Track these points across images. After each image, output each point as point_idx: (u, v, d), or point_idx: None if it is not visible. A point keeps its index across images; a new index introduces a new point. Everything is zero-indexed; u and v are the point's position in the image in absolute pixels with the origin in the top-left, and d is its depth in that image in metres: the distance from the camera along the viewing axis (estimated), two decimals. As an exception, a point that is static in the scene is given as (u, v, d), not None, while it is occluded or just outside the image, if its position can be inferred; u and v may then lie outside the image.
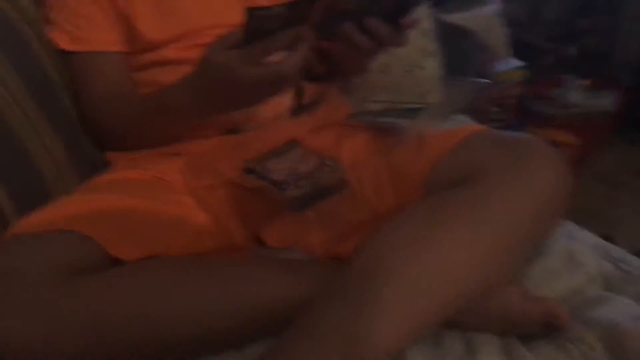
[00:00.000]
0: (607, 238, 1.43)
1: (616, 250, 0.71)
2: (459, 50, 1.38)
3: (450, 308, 0.59)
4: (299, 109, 0.82)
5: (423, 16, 1.14)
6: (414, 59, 1.09)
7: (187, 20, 0.82)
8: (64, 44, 0.83)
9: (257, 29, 0.56)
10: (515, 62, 1.59)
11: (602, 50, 2.20)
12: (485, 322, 0.61)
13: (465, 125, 0.78)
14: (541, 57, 2.02)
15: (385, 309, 0.55)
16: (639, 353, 0.53)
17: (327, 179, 0.68)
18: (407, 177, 0.70)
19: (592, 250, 0.70)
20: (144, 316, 0.57)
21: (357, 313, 0.56)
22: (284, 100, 0.82)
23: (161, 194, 0.73)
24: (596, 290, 0.64)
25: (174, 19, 0.81)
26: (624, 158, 1.96)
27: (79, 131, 0.86)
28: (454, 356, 0.57)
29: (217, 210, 0.74)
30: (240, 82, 0.61)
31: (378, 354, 0.55)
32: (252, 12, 0.54)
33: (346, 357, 0.53)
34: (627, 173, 1.88)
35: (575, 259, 0.68)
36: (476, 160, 0.65)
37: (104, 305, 0.57)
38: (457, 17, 1.40)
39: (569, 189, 0.67)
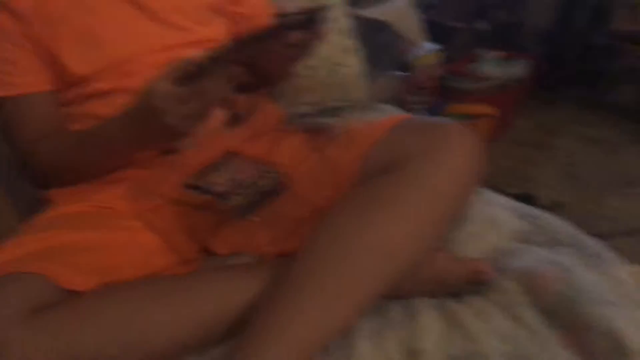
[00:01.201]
0: (528, 195, 1.57)
1: (529, 208, 0.80)
2: (378, 44, 1.46)
3: (390, 280, 0.65)
4: (232, 121, 0.86)
5: (339, 15, 1.20)
6: (336, 58, 1.14)
7: (113, 51, 0.83)
8: None
9: (194, 72, 0.61)
10: (432, 46, 1.68)
11: (511, 22, 2.35)
12: (421, 288, 0.69)
13: (390, 115, 0.85)
14: (456, 36, 2.14)
15: (331, 292, 0.62)
16: (552, 291, 0.61)
17: (266, 184, 0.74)
18: (342, 171, 0.76)
19: (508, 211, 0.79)
20: (113, 341, 0.61)
21: (310, 301, 0.62)
22: (217, 115, 0.87)
23: (107, 222, 0.76)
24: (514, 245, 0.72)
25: (99, 51, 0.83)
26: (538, 120, 2.11)
27: (18, 173, 0.87)
28: (396, 321, 0.64)
29: (165, 229, 0.78)
30: (164, 121, 0.64)
31: (332, 332, 0.62)
32: (190, 59, 0.59)
33: (303, 337, 0.59)
34: (543, 133, 2.03)
35: (495, 220, 0.76)
36: (400, 147, 0.72)
37: (75, 335, 0.60)
38: (371, 12, 1.47)
39: (483, 162, 0.73)
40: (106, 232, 0.74)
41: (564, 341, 0.55)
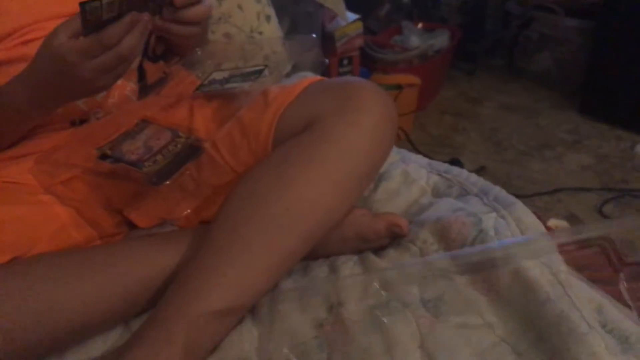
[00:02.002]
0: (455, 161, 1.63)
1: (441, 164, 0.83)
2: (299, 13, 1.45)
3: (311, 239, 0.66)
4: (144, 90, 0.84)
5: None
6: (252, 25, 1.13)
7: (7, 20, 0.78)
8: None
9: (93, 21, 0.57)
10: (352, 16, 1.69)
11: (431, -5, 2.40)
12: (342, 245, 0.70)
13: (303, 78, 0.85)
14: (378, 7, 2.16)
15: (253, 252, 0.61)
16: (459, 236, 0.63)
17: (181, 150, 0.72)
18: (258, 135, 0.75)
19: (422, 168, 0.81)
20: (26, 311, 0.59)
21: (232, 261, 0.61)
22: (128, 84, 0.83)
23: (15, 197, 0.72)
24: (427, 199, 0.75)
25: None
26: (461, 89, 2.19)
27: None
28: (320, 279, 0.65)
29: (79, 203, 0.75)
30: (78, 76, 0.61)
31: (255, 292, 0.62)
32: (83, 5, 0.55)
33: (227, 294, 0.59)
34: (466, 102, 2.11)
35: (410, 177, 0.78)
36: (314, 108, 0.72)
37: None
38: (292, -19, 1.45)
39: (396, 121, 0.75)
40: (15, 208, 0.70)
41: (470, 280, 0.57)
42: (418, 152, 1.59)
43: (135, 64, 0.83)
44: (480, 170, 1.64)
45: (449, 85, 2.18)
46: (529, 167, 1.69)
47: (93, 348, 0.64)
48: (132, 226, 0.80)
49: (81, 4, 0.55)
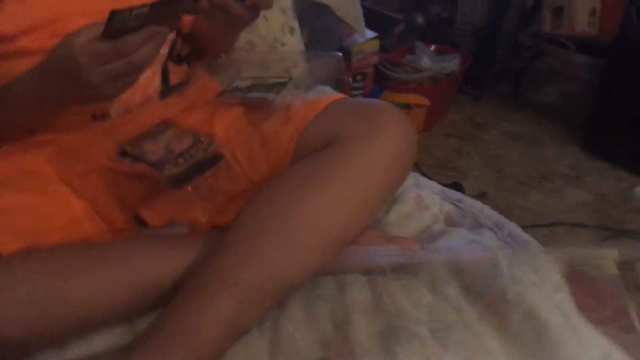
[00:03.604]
0: (457, 185, 1.65)
1: (455, 193, 0.84)
2: (318, 26, 1.46)
3: (324, 256, 0.66)
4: (167, 91, 0.84)
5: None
6: (275, 36, 1.14)
7: (40, 10, 0.77)
8: None
9: (116, 29, 0.57)
10: (370, 33, 1.71)
11: (445, 18, 2.43)
12: (353, 264, 0.71)
13: (326, 95, 0.86)
14: (393, 26, 2.18)
15: (266, 261, 0.62)
16: (473, 269, 0.64)
17: (202, 155, 0.73)
18: (278, 147, 0.76)
19: (436, 195, 0.82)
20: (34, 306, 0.59)
21: (239, 270, 0.62)
22: (152, 83, 0.84)
23: (32, 185, 0.72)
24: (440, 226, 0.76)
25: (26, 9, 0.77)
26: (467, 113, 2.21)
27: None
28: (327, 294, 0.66)
29: (94, 196, 0.75)
30: (85, 79, 0.59)
31: (265, 303, 0.63)
32: (114, 13, 0.55)
33: (239, 302, 0.60)
34: (472, 127, 2.13)
35: (423, 203, 0.79)
36: (336, 126, 0.73)
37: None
38: (314, -6, 1.47)
39: (416, 146, 0.77)
40: (31, 196, 0.70)
41: (481, 314, 0.58)
42: (422, 173, 1.60)
43: (157, 66, 0.84)
44: (481, 196, 1.65)
45: (456, 109, 2.20)
46: (528, 198, 1.71)
47: (95, 344, 0.64)
48: (141, 223, 0.81)
49: (112, 12, 0.55)
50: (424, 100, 1.86)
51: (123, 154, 0.72)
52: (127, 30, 0.58)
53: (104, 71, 0.59)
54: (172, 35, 0.77)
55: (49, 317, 0.60)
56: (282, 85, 0.84)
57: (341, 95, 0.86)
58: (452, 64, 2.08)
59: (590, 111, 1.91)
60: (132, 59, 0.59)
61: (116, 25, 0.57)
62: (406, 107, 1.79)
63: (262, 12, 0.79)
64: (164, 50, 0.84)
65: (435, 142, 2.00)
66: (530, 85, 2.22)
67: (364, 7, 1.65)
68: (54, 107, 0.70)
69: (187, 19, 0.91)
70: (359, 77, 1.72)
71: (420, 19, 2.33)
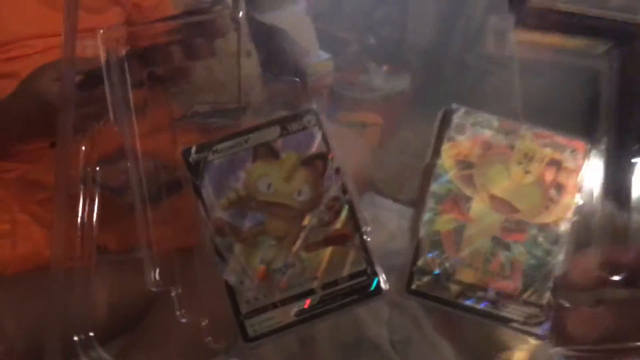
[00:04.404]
0: (413, 202, 1.69)
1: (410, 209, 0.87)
2: (273, 49, 1.49)
3: None
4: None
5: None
6: (232, 59, 1.16)
7: None
8: None
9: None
10: (324, 54, 1.75)
11: (396, 39, 2.51)
12: (315, 283, 0.73)
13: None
14: (346, 47, 2.24)
15: None
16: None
17: (164, 180, 0.74)
18: None
19: (392, 213, 0.86)
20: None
21: None
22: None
23: None
24: (396, 245, 0.79)
25: None
26: (419, 132, 2.28)
27: None
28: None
29: (52, 223, 0.75)
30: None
31: None
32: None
33: None
34: (425, 142, 2.20)
35: (379, 221, 0.82)
36: None
37: None
38: (269, 17, 1.50)
39: (371, 167, 0.81)
40: None
41: (436, 323, 0.61)
42: (377, 189, 1.64)
43: None
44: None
45: (407, 126, 2.27)
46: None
47: None
48: (102, 248, 0.80)
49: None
50: (378, 119, 1.91)
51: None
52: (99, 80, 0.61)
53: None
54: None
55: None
56: (241, 111, 0.86)
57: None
58: (403, 82, 2.14)
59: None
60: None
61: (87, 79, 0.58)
62: (361, 125, 1.83)
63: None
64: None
65: (391, 159, 2.05)
66: (476, 104, 2.31)
67: (317, 28, 1.69)
68: (17, 139, 0.70)
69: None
70: (315, 99, 1.75)
71: (371, 39, 2.39)
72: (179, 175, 0.76)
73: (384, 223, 0.80)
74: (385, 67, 2.32)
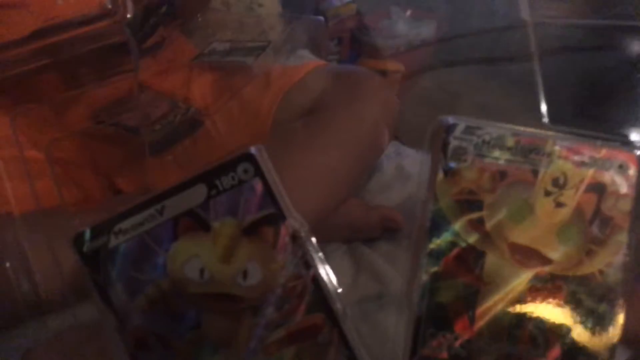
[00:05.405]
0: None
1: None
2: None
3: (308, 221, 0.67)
4: (140, 53, 0.81)
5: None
6: (251, -4, 1.10)
7: None
8: None
9: None
10: (346, -4, 1.67)
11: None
12: (333, 233, 0.71)
13: (306, 61, 0.84)
14: (369, -11, 2.14)
15: None
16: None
17: (180, 121, 0.71)
18: (257, 113, 0.75)
19: (417, 162, 0.82)
20: None
21: None
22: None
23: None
24: (422, 193, 0.76)
25: None
26: (440, 80, 2.21)
27: None
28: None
29: (67, 162, 0.72)
30: None
31: None
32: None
33: None
34: (445, 93, 2.13)
35: (404, 171, 0.79)
36: (318, 93, 0.73)
37: None
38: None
39: (395, 113, 0.77)
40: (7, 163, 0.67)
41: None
42: (395, 138, 1.60)
43: None
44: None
45: (428, 75, 2.20)
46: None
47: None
48: (116, 190, 0.78)
49: None
50: (400, 67, 1.85)
51: (99, 119, 0.69)
52: None
53: None
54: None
55: None
56: (261, 49, 0.82)
57: (322, 62, 0.84)
58: (427, 30, 2.06)
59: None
60: None
61: None
62: (382, 73, 1.77)
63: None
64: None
65: (411, 109, 1.99)
66: (501, 56, 2.22)
67: (339, -31, 1.62)
68: None
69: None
70: (334, 42, 1.69)
71: (395, -18, 2.29)
72: (193, 115, 0.73)
73: (410, 173, 0.77)
74: (409, 12, 2.22)
